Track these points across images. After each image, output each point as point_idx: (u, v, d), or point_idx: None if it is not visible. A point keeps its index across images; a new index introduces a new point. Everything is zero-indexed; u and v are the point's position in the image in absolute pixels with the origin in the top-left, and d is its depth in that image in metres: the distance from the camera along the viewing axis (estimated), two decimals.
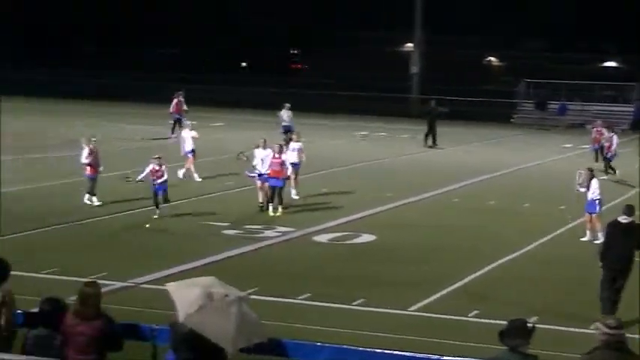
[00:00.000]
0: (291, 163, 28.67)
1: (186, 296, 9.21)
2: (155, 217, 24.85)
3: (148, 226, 23.76)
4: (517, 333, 8.75)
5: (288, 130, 40.71)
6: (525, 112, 66.46)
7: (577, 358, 9.04)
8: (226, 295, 9.27)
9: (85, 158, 26.65)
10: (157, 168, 25.07)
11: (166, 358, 9.57)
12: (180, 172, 31.74)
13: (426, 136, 46.01)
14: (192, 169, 32.00)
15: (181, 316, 9.13)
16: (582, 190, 23.98)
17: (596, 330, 8.73)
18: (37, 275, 18.58)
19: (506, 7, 78.86)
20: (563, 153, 44.74)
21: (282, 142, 29.78)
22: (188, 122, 34.07)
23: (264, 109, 62.09)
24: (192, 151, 32.15)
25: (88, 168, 26.61)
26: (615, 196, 28.86)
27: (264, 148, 26.90)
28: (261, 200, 26.76)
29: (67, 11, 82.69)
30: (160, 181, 25.05)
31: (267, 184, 26.57)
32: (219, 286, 9.41)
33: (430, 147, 45.22)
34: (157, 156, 25.61)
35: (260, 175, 26.65)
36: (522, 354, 8.69)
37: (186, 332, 9.15)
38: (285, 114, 43.86)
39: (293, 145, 29.45)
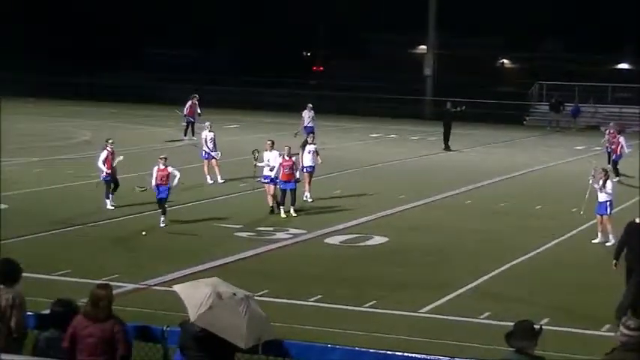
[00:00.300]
0: (307, 166, 28.69)
1: (196, 296, 9.28)
2: (162, 225, 24.34)
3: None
4: (524, 334, 8.76)
5: (309, 132, 40.69)
6: (539, 114, 66.29)
7: (590, 359, 9.02)
8: (234, 294, 9.36)
9: (102, 161, 26.50)
10: (162, 167, 24.48)
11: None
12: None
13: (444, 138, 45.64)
14: (205, 170, 31.94)
15: (192, 315, 9.20)
16: (595, 186, 23.88)
17: (616, 331, 8.71)
18: (50, 277, 18.66)
19: (520, 8, 78.63)
20: (575, 155, 44.62)
21: (299, 145, 29.73)
22: (207, 123, 33.68)
23: (279, 110, 62.43)
24: (211, 152, 32.07)
25: (105, 170, 26.50)
26: (626, 198, 28.78)
27: (271, 150, 26.86)
28: (271, 204, 26.72)
29: (66, 10, 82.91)
30: (163, 183, 24.32)
31: (272, 187, 26.47)
32: (224, 286, 9.50)
33: (444, 149, 44.95)
34: (163, 156, 25.07)
35: (272, 180, 26.61)
36: (529, 355, 8.69)
37: (196, 332, 9.22)
38: (307, 115, 43.69)
39: (309, 147, 29.34)
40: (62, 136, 45.98)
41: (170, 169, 24.54)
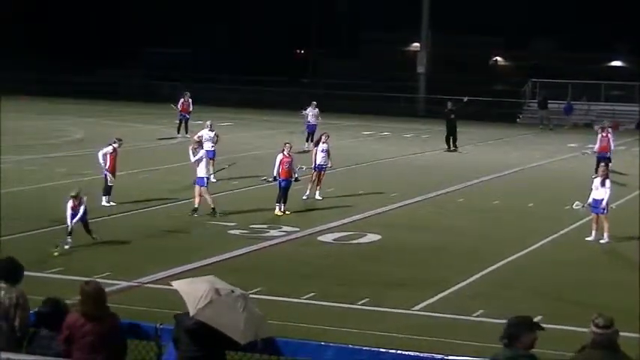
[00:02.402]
0: (318, 164, 28.70)
1: (195, 292, 9.32)
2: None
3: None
4: (512, 329, 8.74)
5: (312, 130, 40.67)
6: (531, 111, 66.33)
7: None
8: (232, 291, 9.41)
9: (102, 155, 26.18)
10: (76, 204, 21.47)
11: (165, 359, 9.59)
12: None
13: (447, 139, 45.11)
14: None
15: (192, 310, 9.22)
16: (593, 186, 23.81)
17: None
18: (42, 274, 18.59)
19: (514, 7, 78.77)
20: (568, 152, 44.66)
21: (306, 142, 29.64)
22: (209, 122, 33.17)
23: (274, 109, 62.46)
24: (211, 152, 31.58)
25: (105, 167, 26.28)
26: (618, 196, 28.78)
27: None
28: (196, 206, 25.54)
29: (66, 10, 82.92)
30: (77, 218, 21.40)
31: (199, 188, 25.53)
32: (221, 283, 9.55)
33: (447, 150, 44.21)
34: (73, 193, 21.56)
35: (200, 180, 25.54)
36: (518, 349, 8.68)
37: (189, 325, 9.24)
38: (311, 112, 43.62)
39: (322, 146, 29.27)
40: (55, 134, 45.89)
41: (82, 200, 21.59)
